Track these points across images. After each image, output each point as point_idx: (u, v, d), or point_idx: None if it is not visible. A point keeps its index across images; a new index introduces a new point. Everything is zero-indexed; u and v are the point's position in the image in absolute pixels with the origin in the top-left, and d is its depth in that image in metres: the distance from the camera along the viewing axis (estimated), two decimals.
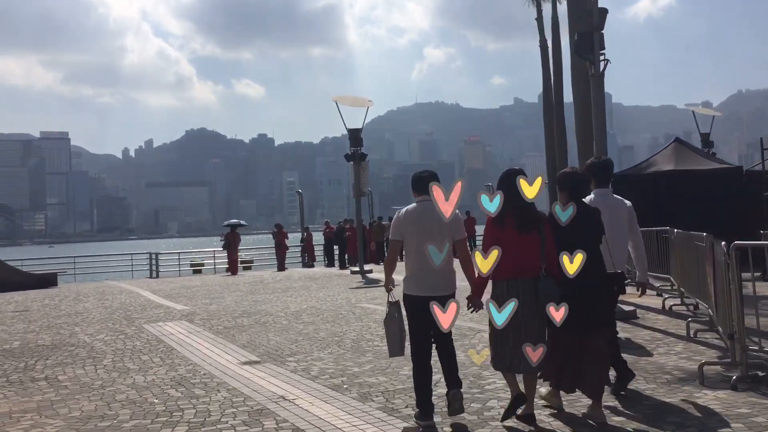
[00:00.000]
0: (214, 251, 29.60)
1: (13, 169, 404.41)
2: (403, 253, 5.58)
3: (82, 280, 29.07)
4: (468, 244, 6.34)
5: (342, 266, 25.10)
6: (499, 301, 5.00)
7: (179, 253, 29.00)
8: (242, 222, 29.41)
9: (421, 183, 5.48)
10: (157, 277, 26.84)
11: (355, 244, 25.78)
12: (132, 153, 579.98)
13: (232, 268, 25.73)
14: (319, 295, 15.94)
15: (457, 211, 5.30)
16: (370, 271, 21.94)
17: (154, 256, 27.61)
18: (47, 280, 23.77)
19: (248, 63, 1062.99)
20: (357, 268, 23.17)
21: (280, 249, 28.25)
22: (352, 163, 22.08)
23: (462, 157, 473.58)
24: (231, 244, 26.09)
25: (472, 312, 5.35)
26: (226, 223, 27.93)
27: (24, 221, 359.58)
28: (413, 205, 5.51)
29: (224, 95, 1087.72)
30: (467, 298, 5.28)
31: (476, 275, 5.18)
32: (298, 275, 22.37)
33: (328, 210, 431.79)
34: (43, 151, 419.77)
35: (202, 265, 29.76)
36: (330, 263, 27.82)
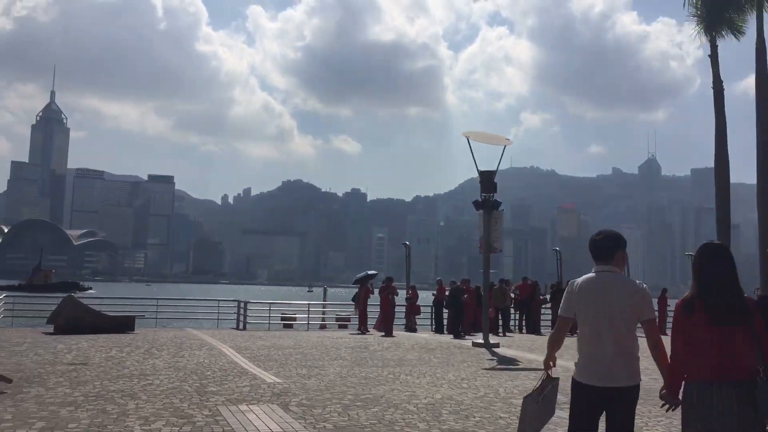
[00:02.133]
0: (309, 304, 26.33)
1: (120, 208, 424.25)
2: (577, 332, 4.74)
3: (163, 324, 26.37)
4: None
5: (455, 335, 21.15)
6: (691, 409, 4.05)
7: (270, 303, 25.89)
8: (370, 272, 25.89)
9: (603, 250, 4.67)
10: (244, 329, 23.74)
11: (472, 310, 21.97)
12: (230, 200, 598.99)
13: (361, 323, 22.88)
14: (449, 377, 12.12)
15: (644, 284, 4.59)
16: (497, 345, 17.94)
17: (242, 305, 24.61)
18: (125, 324, 21.05)
19: (346, 119, 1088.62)
20: (478, 339, 19.26)
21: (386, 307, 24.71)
22: (481, 212, 18.42)
23: (555, 224, 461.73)
24: (360, 299, 23.13)
25: (667, 410, 4.34)
26: (357, 277, 24.65)
27: (125, 259, 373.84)
28: (590, 275, 4.68)
29: (322, 149, 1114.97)
30: (660, 395, 4.34)
31: (669, 364, 4.31)
32: (408, 342, 18.63)
33: (416, 268, 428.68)
34: (148, 193, 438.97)
35: (294, 319, 26.54)
36: (438, 329, 23.94)
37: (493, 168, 18.44)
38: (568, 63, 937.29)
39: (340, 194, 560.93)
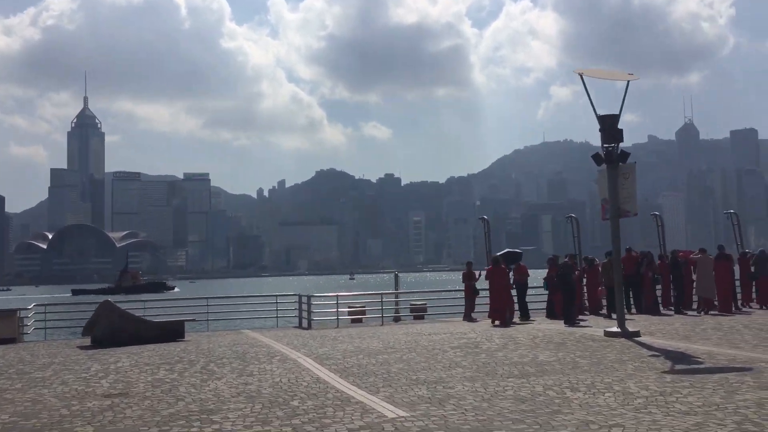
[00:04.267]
0: (382, 294, 22.80)
1: (159, 208, 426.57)
2: None
3: (215, 327, 23.15)
4: None
5: (569, 321, 17.35)
6: None
7: (337, 296, 22.41)
8: (515, 250, 21.64)
9: None
10: (309, 327, 20.36)
11: (595, 288, 18.22)
12: (266, 193, 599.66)
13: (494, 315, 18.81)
14: (634, 390, 8.48)
15: None
16: (638, 334, 14.18)
17: (304, 299, 21.23)
18: (174, 331, 17.83)
19: (375, 105, 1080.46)
20: (598, 327, 15.56)
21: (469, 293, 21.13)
22: (604, 167, 14.59)
23: (593, 197, 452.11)
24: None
25: None
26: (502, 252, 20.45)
27: (167, 257, 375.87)
28: None
29: (353, 137, 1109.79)
30: None
31: None
32: (521, 336, 14.97)
33: (455, 250, 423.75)
34: (185, 191, 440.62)
35: (363, 312, 23.08)
36: (550, 314, 20.11)
37: (616, 111, 14.54)
38: (595, 32, 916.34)
39: (374, 180, 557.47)
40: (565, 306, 17.78)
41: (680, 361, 10.71)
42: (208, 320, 21.74)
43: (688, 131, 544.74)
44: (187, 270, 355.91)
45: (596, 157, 14.74)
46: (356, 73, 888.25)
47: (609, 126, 14.35)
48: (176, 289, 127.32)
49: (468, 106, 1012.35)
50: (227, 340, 16.90)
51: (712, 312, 19.81)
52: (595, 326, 16.71)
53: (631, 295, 21.11)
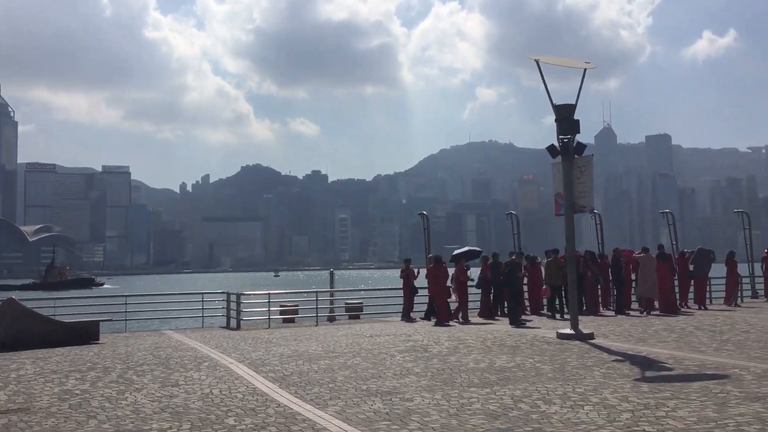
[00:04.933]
0: (317, 292, 21.52)
1: (76, 201, 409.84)
2: None
3: (135, 327, 21.39)
4: None
5: (514, 321, 16.58)
6: None
7: (269, 294, 21.00)
8: (475, 248, 20.74)
9: None
10: (238, 327, 18.95)
11: (537, 288, 17.60)
12: (189, 188, 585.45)
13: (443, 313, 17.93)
14: (613, 402, 7.64)
15: None
16: (591, 336, 13.50)
17: (233, 298, 19.78)
18: (86, 332, 16.12)
19: (303, 101, 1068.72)
20: (547, 328, 14.88)
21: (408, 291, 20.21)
22: (559, 159, 13.84)
23: (516, 197, 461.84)
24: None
25: None
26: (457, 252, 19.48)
27: (83, 253, 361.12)
28: None
29: (280, 132, 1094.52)
30: None
31: None
32: (469, 338, 14.07)
33: (380, 248, 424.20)
34: (104, 184, 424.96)
35: (296, 312, 21.77)
36: (486, 312, 19.35)
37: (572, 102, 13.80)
38: (520, 35, 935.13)
39: (300, 177, 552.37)
40: (511, 306, 17.03)
41: (648, 367, 9.99)
42: (126, 320, 20.00)
43: (607, 135, 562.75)
44: (104, 266, 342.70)
45: (551, 149, 13.98)
46: (284, 68, 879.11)
47: (565, 116, 13.61)
48: (106, 285, 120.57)
49: (396, 105, 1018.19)
50: (148, 342, 15.36)
51: (653, 312, 19.51)
52: (543, 327, 16.01)
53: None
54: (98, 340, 16.02)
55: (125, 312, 20.08)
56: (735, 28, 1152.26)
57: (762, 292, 25.85)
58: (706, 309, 21.04)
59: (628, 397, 7.83)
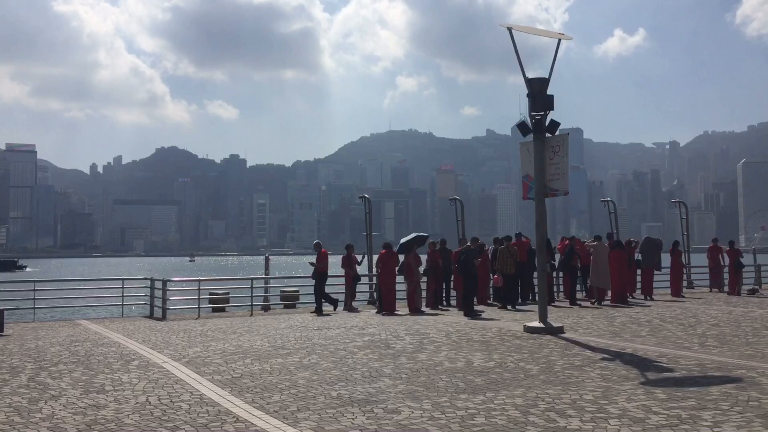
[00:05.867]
0: (252, 279, 19.79)
1: None
2: None
3: (44, 317, 19.18)
4: None
5: (469, 312, 15.48)
6: None
7: (199, 281, 19.13)
8: (422, 234, 19.19)
9: None
10: (164, 317, 17.10)
11: (487, 277, 16.53)
12: (100, 169, 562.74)
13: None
14: (635, 416, 6.53)
15: None
16: (561, 330, 12.52)
17: (158, 285, 17.86)
18: None
19: (221, 83, 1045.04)
20: (504, 319, 13.83)
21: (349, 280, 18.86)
22: (530, 138, 12.73)
23: (434, 186, 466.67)
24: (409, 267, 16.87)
25: None
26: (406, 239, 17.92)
27: None
28: None
29: (197, 115, 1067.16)
30: None
31: None
32: (434, 333, 12.83)
33: (299, 234, 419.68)
34: (8, 163, 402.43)
35: (227, 300, 20.03)
36: (437, 303, 18.22)
37: (545, 75, 12.69)
38: (441, 26, 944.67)
39: (218, 161, 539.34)
40: (466, 296, 15.92)
41: (645, 368, 9.00)
42: (34, 308, 17.79)
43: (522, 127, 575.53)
44: (7, 248, 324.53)
45: (522, 127, 12.85)
46: (202, 48, 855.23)
47: (538, 91, 12.51)
48: (28, 269, 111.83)
49: (316, 91, 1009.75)
50: (62, 335, 13.41)
51: (605, 303, 18.89)
52: (501, 319, 14.98)
53: (519, 285, 19.73)
54: (2, 331, 13.93)
55: (33, 299, 17.86)
56: (644, 27, 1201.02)
57: (698, 283, 25.86)
58: (652, 299, 20.63)
59: (652, 408, 6.74)
